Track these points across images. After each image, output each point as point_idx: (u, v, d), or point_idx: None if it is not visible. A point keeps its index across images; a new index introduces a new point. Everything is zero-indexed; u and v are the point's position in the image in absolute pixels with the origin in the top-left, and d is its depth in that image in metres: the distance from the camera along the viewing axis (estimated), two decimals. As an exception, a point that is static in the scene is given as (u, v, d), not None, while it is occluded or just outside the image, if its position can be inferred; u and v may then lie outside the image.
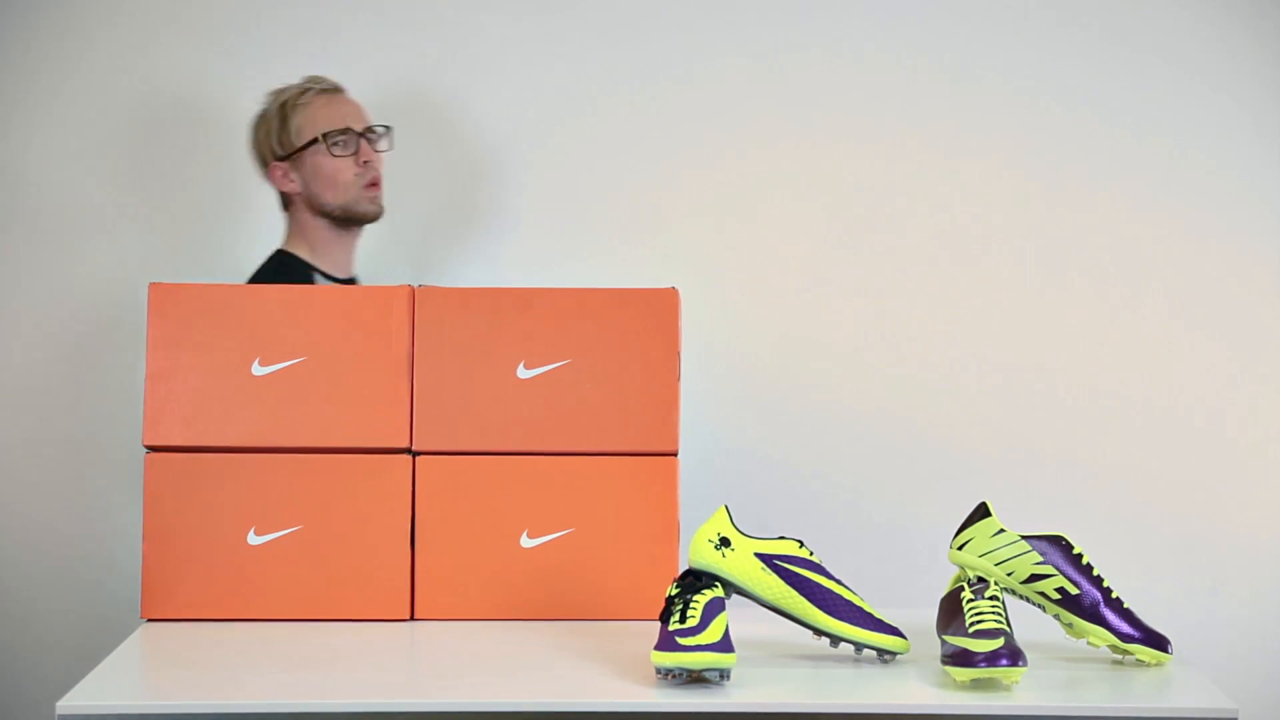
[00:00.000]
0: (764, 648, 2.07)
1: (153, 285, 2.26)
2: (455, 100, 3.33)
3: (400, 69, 3.32)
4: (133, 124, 3.30)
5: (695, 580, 1.98)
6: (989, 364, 3.30)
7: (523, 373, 2.26)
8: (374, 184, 2.93)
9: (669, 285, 2.29)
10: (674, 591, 1.96)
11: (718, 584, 1.99)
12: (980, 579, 2.06)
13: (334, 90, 2.96)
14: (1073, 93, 3.31)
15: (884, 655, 2.01)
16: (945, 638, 2.01)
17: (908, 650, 2.00)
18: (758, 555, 2.02)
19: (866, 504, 3.28)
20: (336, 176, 2.88)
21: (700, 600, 1.94)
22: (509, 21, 3.32)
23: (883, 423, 3.30)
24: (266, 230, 3.23)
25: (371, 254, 3.31)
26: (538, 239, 3.32)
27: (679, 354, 2.27)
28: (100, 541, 3.26)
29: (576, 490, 2.25)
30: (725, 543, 2.02)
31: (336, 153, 2.88)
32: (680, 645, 1.88)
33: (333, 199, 2.88)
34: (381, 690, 1.94)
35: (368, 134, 2.94)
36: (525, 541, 2.24)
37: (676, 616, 1.92)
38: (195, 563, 2.22)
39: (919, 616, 2.30)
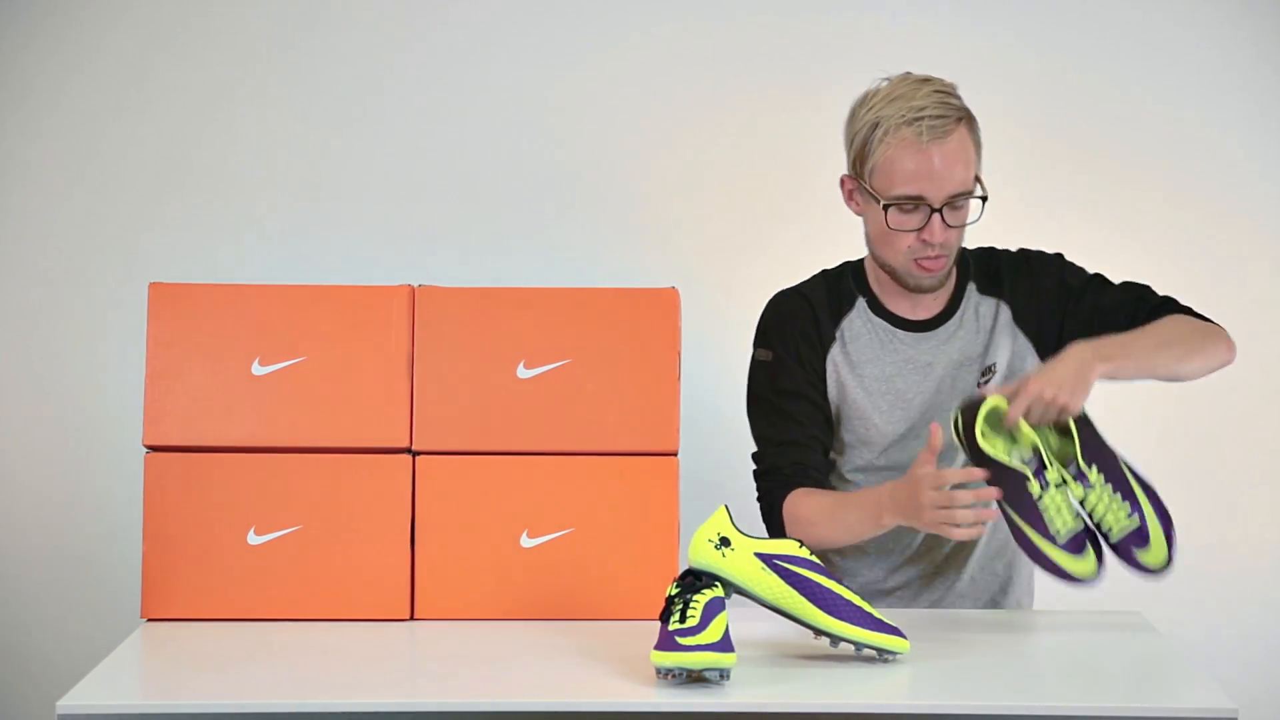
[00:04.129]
0: (764, 648, 2.07)
1: (153, 285, 2.26)
2: (455, 100, 3.33)
3: (400, 68, 3.32)
4: (133, 124, 3.30)
5: (695, 580, 1.98)
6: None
7: (523, 373, 2.26)
8: (934, 262, 2.34)
9: (669, 285, 2.29)
10: (674, 591, 1.96)
11: (718, 584, 1.99)
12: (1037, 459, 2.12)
13: (941, 132, 2.28)
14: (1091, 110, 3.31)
15: (884, 655, 2.01)
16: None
17: (908, 650, 2.00)
18: (758, 555, 2.02)
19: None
20: (892, 242, 2.34)
21: (700, 600, 1.94)
22: (509, 21, 3.32)
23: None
24: (267, 230, 3.24)
25: (372, 254, 3.31)
26: (537, 239, 3.32)
27: (679, 354, 2.27)
28: (100, 541, 3.27)
29: (576, 490, 2.25)
30: (725, 542, 2.02)
31: (894, 223, 2.32)
32: (680, 645, 1.88)
33: (885, 257, 2.38)
34: (381, 690, 1.94)
35: (947, 206, 2.30)
36: (525, 541, 2.24)
37: (676, 616, 1.92)
38: (195, 563, 2.22)
39: (918, 616, 2.30)
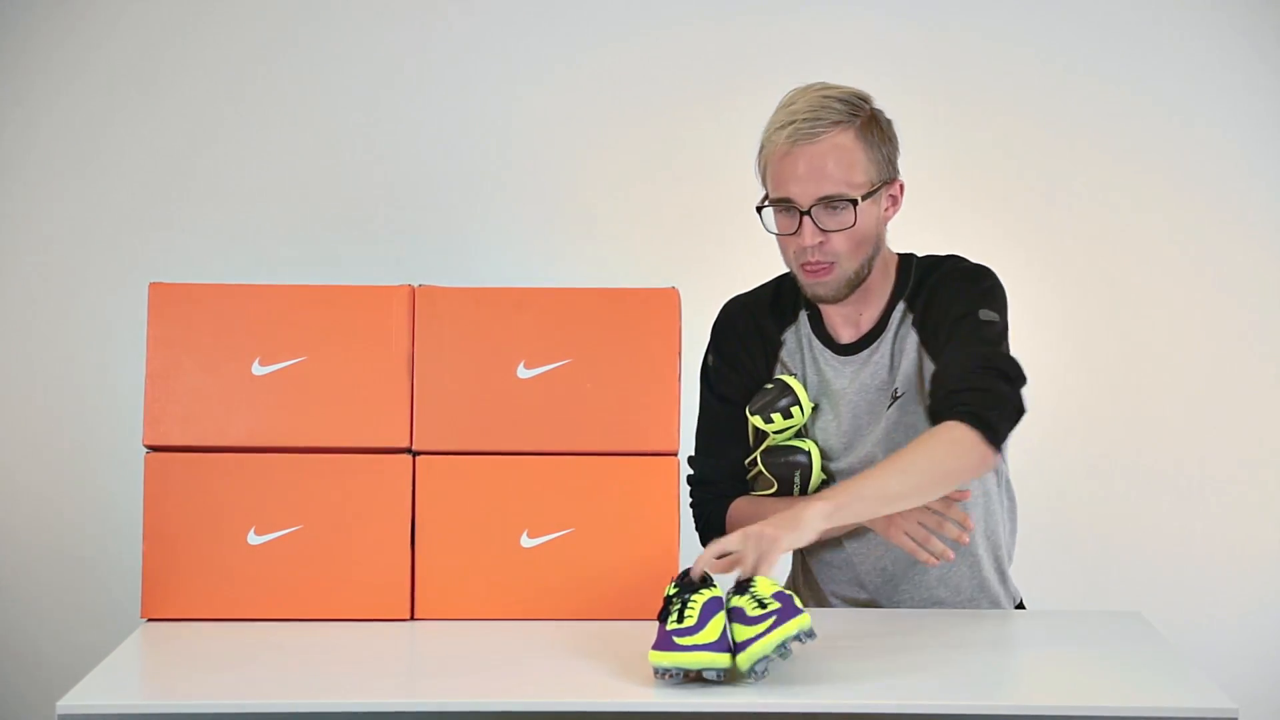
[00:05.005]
0: (764, 648, 2.07)
1: (153, 285, 2.26)
2: (455, 100, 3.33)
3: (400, 68, 3.32)
4: (133, 124, 3.30)
5: (693, 580, 1.98)
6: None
7: (523, 373, 2.26)
8: (815, 269, 2.30)
9: (669, 285, 2.29)
10: (671, 591, 1.95)
11: (716, 584, 1.99)
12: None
13: (809, 135, 2.26)
14: (1082, 109, 3.31)
15: (801, 638, 1.92)
16: None
17: (808, 623, 1.92)
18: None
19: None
20: (781, 249, 2.35)
21: (698, 600, 1.94)
22: (509, 21, 3.32)
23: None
24: (267, 230, 3.24)
25: (372, 254, 3.31)
26: (538, 239, 3.32)
27: (679, 354, 2.27)
28: (100, 541, 3.27)
29: (576, 490, 2.25)
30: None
31: (771, 226, 2.33)
32: (677, 645, 1.88)
33: (786, 264, 2.37)
34: (381, 690, 1.94)
35: (819, 208, 2.27)
36: (525, 541, 2.24)
37: (674, 616, 1.91)
38: (195, 563, 2.22)
39: (918, 617, 2.30)
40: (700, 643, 1.88)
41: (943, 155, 3.28)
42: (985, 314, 2.28)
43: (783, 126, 2.27)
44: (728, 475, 2.41)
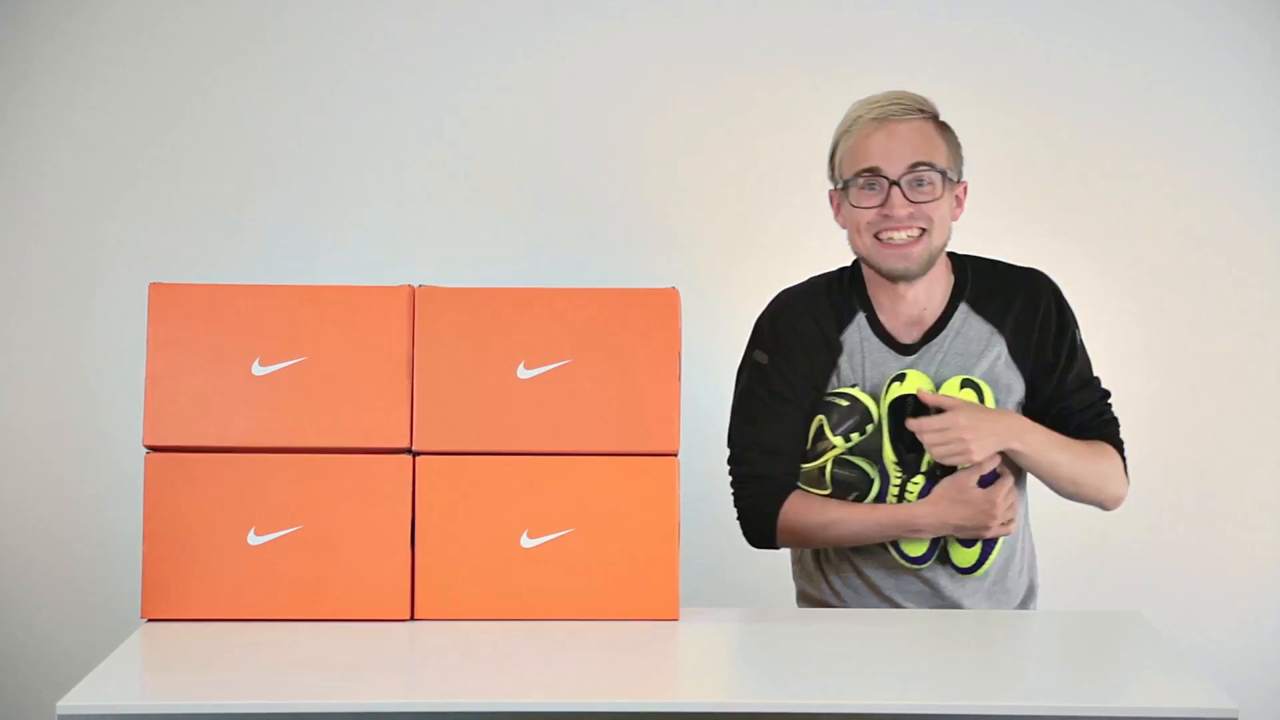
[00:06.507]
0: (764, 647, 2.07)
1: (153, 285, 2.26)
2: (455, 100, 3.33)
3: (400, 68, 3.32)
4: (134, 124, 3.31)
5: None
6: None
7: (523, 373, 2.26)
8: (901, 243, 2.38)
9: (669, 285, 2.29)
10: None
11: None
12: None
13: (899, 116, 2.38)
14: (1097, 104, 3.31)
15: None
16: None
17: None
18: None
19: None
20: (858, 224, 2.40)
21: None
22: (509, 22, 3.32)
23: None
24: (267, 230, 3.24)
25: (372, 254, 3.31)
26: (538, 239, 3.33)
27: (679, 354, 2.27)
28: (100, 541, 3.27)
29: (576, 490, 2.25)
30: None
31: (855, 199, 2.39)
32: None
33: (857, 247, 2.44)
34: (381, 690, 1.94)
35: (907, 178, 2.37)
36: (525, 541, 2.24)
37: None
38: (195, 563, 2.22)
39: (917, 617, 2.30)
40: None
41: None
42: (1083, 356, 2.49)
43: (868, 111, 2.37)
44: (785, 472, 2.44)
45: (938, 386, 2.41)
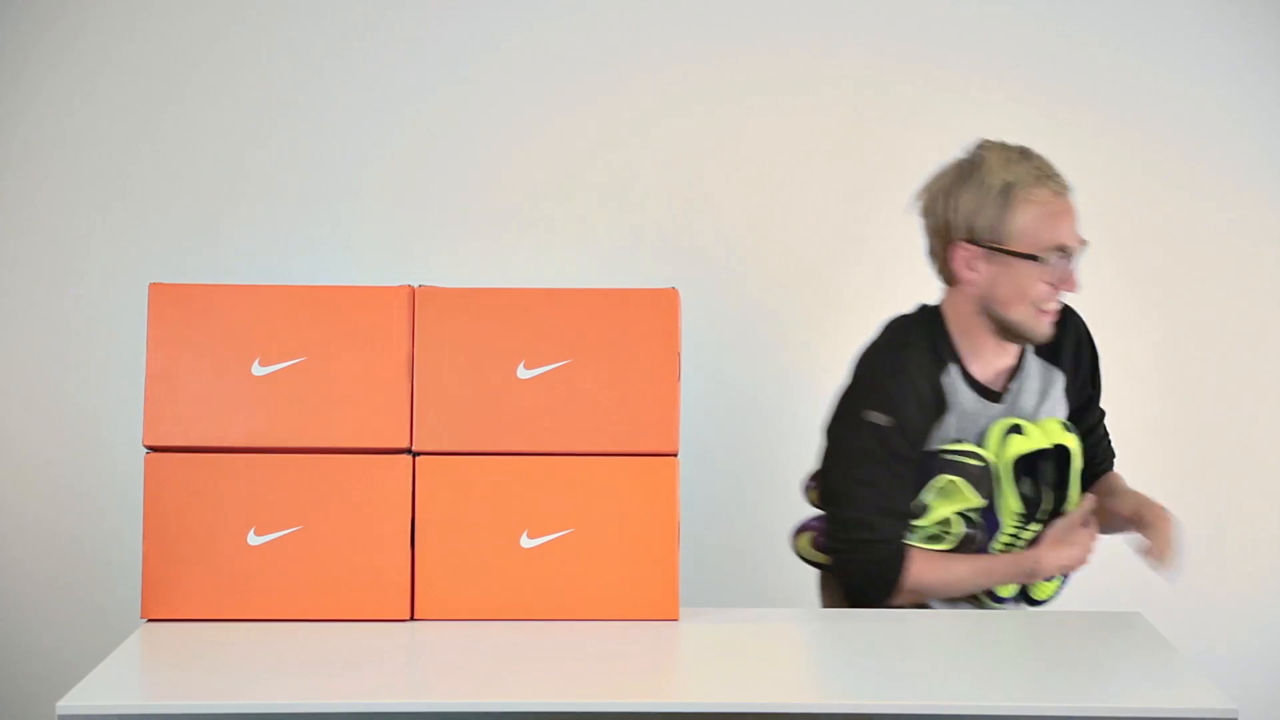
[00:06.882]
0: (764, 647, 2.07)
1: (153, 285, 2.26)
2: (455, 100, 3.33)
3: (400, 69, 3.32)
4: (134, 124, 3.31)
5: None
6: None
7: (523, 373, 2.26)
8: (1049, 309, 2.43)
9: (669, 285, 2.29)
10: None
11: None
12: None
13: (1064, 191, 2.42)
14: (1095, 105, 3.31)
15: None
16: None
17: None
18: None
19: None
20: (1028, 296, 2.42)
21: None
22: (509, 22, 3.32)
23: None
24: (267, 230, 3.23)
25: (372, 254, 3.31)
26: (537, 239, 3.33)
27: (679, 354, 2.27)
28: (100, 541, 3.27)
29: (576, 490, 2.25)
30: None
31: (1043, 276, 2.40)
32: None
33: (1011, 313, 2.43)
34: (381, 690, 1.94)
35: (1073, 253, 2.43)
36: (525, 541, 2.24)
37: None
38: (195, 563, 2.22)
39: (916, 617, 2.30)
40: None
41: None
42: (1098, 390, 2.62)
43: (1041, 178, 2.40)
44: (905, 532, 2.44)
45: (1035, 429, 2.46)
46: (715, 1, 3.34)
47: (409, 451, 2.25)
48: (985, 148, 2.43)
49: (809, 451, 3.41)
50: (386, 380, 2.25)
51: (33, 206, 3.29)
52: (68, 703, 1.84)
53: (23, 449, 3.30)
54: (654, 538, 2.24)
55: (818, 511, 2.54)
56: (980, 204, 2.39)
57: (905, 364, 2.43)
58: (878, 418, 2.41)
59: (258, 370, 2.24)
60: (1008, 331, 2.43)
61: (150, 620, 2.21)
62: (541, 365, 2.26)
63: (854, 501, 2.41)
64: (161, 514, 2.23)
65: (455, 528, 2.24)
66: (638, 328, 2.27)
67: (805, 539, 2.58)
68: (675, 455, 2.26)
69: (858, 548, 2.40)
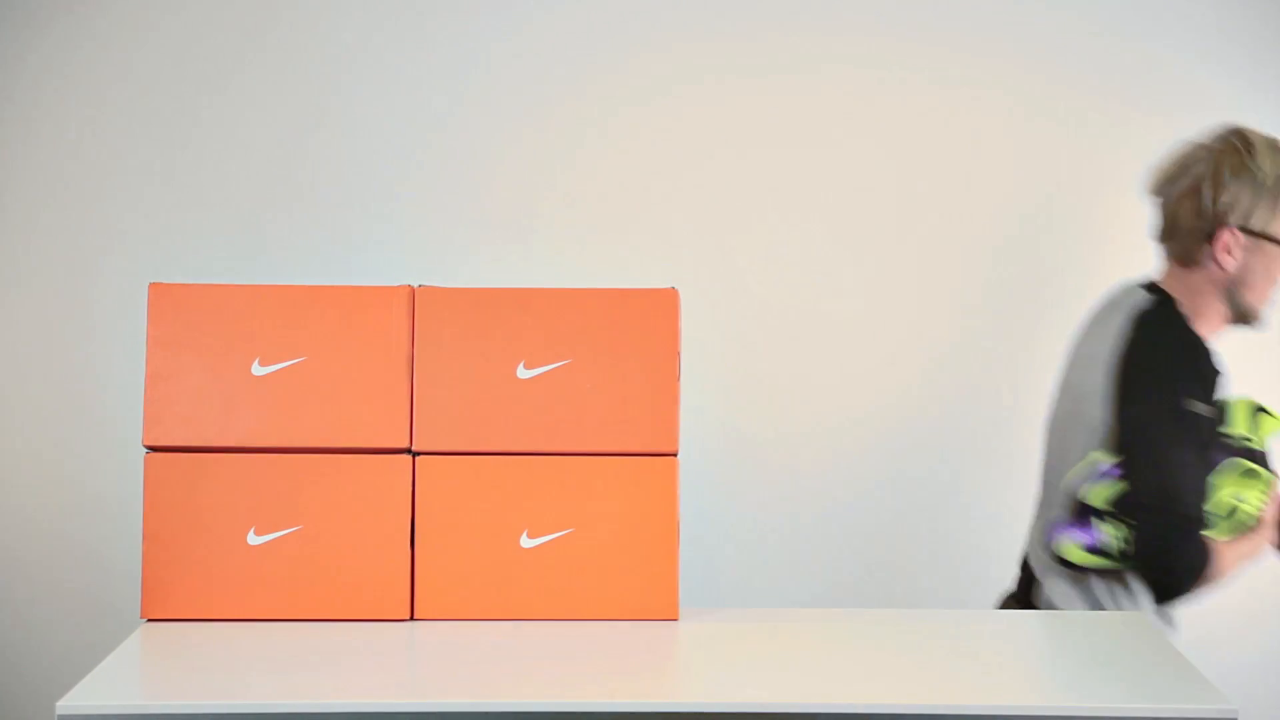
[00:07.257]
0: (764, 647, 2.07)
1: (153, 285, 2.26)
2: (455, 99, 3.33)
3: (401, 68, 3.32)
4: (133, 123, 3.31)
5: None
6: (991, 361, 3.30)
7: (523, 373, 2.26)
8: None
9: (669, 285, 2.29)
10: None
11: None
12: None
13: None
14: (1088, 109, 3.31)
15: None
16: None
17: None
18: None
19: (866, 504, 3.28)
20: (1278, 281, 2.58)
21: None
22: (510, 21, 3.33)
23: (883, 422, 3.30)
24: (267, 230, 3.23)
25: (372, 254, 3.31)
26: (538, 239, 3.33)
27: (679, 354, 2.27)
28: (100, 541, 3.27)
29: (576, 490, 2.25)
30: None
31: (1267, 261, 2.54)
32: None
33: (1255, 301, 2.60)
34: (381, 690, 1.94)
35: None
36: (525, 541, 2.24)
37: None
38: (195, 563, 2.22)
39: (916, 617, 2.30)
40: None
41: (946, 157, 3.27)
42: None
43: None
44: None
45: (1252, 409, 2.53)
46: (718, 7, 3.34)
47: (409, 451, 2.25)
48: (1243, 136, 2.52)
49: (809, 451, 3.40)
50: (386, 380, 2.25)
51: (32, 206, 3.29)
52: (67, 702, 1.84)
53: (23, 448, 3.30)
54: (654, 538, 2.24)
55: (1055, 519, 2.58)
56: (1257, 194, 2.50)
57: (1206, 350, 2.53)
58: (1200, 408, 2.47)
59: (257, 370, 2.24)
60: (1242, 316, 2.58)
61: (150, 620, 2.21)
62: (541, 365, 2.26)
63: (1189, 496, 2.46)
64: (161, 514, 2.23)
65: (455, 528, 2.24)
66: (637, 328, 2.27)
67: (1073, 546, 2.53)
68: (675, 455, 2.26)
69: (1193, 541, 2.45)
